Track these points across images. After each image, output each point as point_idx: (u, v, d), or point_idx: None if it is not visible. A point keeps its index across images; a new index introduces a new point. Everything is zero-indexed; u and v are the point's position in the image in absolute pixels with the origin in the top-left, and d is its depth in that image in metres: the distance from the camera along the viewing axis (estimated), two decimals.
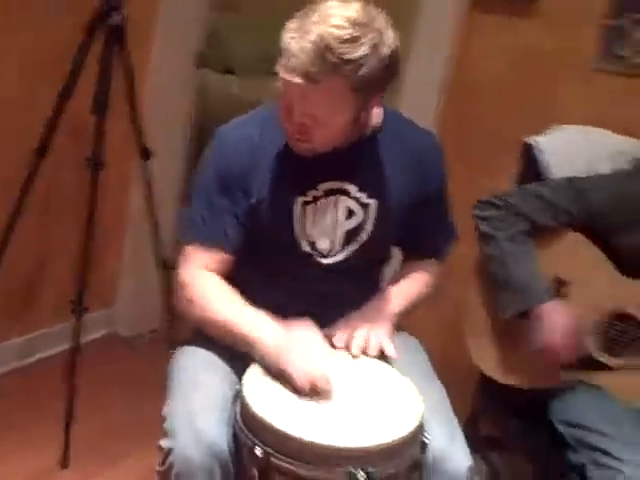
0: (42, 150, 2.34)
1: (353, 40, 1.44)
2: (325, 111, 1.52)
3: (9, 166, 2.46)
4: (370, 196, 1.71)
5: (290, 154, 1.66)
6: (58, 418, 2.39)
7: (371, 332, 1.67)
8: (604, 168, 2.14)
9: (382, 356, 1.67)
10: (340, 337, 1.68)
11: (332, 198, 1.70)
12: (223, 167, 1.68)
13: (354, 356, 1.65)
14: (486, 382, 2.10)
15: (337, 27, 1.43)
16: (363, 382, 1.59)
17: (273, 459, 1.42)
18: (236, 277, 1.70)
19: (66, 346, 2.80)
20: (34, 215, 2.48)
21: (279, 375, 1.54)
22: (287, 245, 1.71)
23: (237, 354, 1.67)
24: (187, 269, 1.71)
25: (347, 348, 1.67)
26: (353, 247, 1.73)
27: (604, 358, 1.92)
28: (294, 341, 1.57)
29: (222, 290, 1.68)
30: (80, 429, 2.34)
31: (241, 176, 1.67)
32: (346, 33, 1.43)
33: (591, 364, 1.93)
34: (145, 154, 2.49)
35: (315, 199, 1.69)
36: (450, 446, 1.56)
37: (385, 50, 1.47)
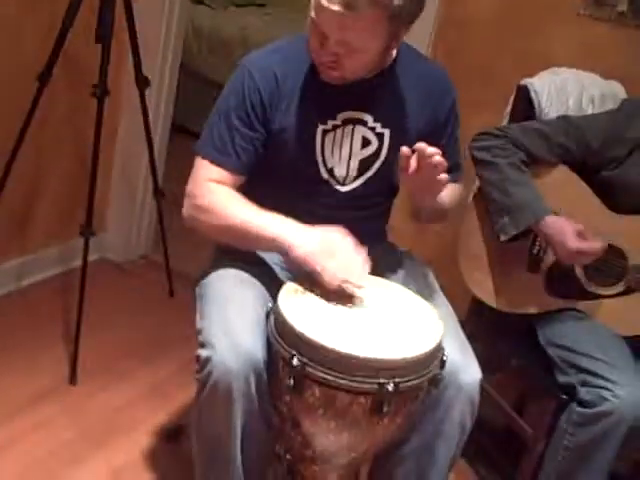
0: (44, 76, 2.34)
1: None
2: (360, 39, 1.60)
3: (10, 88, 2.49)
4: (384, 125, 1.80)
5: (311, 85, 1.75)
6: (60, 338, 2.47)
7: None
8: (592, 110, 2.28)
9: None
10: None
11: (350, 127, 1.79)
12: (246, 95, 1.75)
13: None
14: (478, 306, 2.23)
15: None
16: (390, 301, 1.71)
17: (309, 369, 1.52)
18: (254, 201, 1.76)
19: (61, 269, 2.88)
20: (32, 140, 2.49)
21: (308, 280, 1.64)
22: (307, 171, 1.80)
23: (265, 272, 1.79)
24: (198, 181, 1.77)
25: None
26: (368, 175, 1.83)
27: (591, 287, 2.06)
28: (324, 241, 1.65)
29: (236, 197, 1.74)
30: (85, 347, 2.41)
31: (262, 106, 1.74)
32: None
33: (578, 292, 2.07)
34: (143, 83, 2.53)
35: (334, 128, 1.78)
36: (463, 360, 1.69)
37: None
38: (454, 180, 1.93)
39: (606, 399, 1.85)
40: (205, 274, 1.85)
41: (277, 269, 1.84)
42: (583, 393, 1.90)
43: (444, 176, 1.62)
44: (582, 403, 1.90)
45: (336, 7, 1.54)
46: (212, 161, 1.76)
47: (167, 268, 2.86)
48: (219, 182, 1.76)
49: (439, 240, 2.54)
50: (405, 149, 1.61)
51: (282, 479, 1.82)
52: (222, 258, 1.85)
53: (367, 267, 1.66)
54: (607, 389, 1.86)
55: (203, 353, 1.61)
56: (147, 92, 2.59)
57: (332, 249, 1.64)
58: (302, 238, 1.65)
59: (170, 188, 2.84)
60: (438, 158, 1.58)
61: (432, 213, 1.89)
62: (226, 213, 1.71)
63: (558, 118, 2.14)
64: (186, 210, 1.78)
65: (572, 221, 2.00)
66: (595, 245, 1.97)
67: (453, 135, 1.92)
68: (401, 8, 1.56)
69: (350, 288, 1.64)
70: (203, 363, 1.60)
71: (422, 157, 1.59)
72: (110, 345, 2.58)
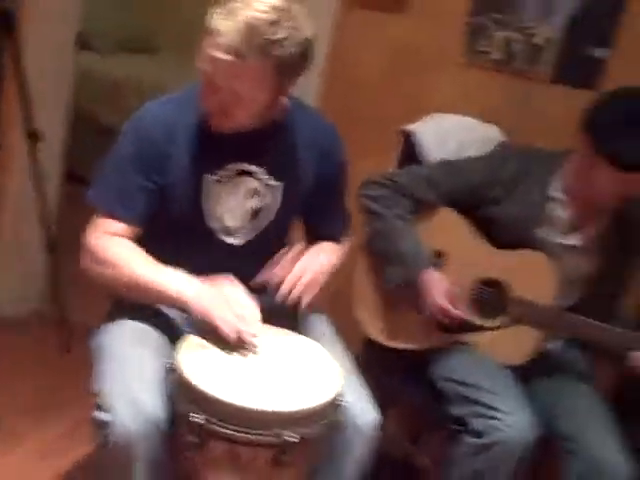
0: None
1: (276, 23, 1.60)
2: (249, 88, 1.65)
3: None
4: (277, 179, 1.85)
5: (201, 135, 1.79)
6: None
7: (303, 279, 1.80)
8: (472, 152, 2.40)
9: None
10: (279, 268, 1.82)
11: (240, 179, 1.83)
12: (141, 146, 1.77)
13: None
14: (370, 343, 2.30)
15: (261, 11, 1.59)
16: (290, 351, 1.75)
17: (211, 425, 1.55)
18: (149, 254, 1.78)
19: None
20: None
21: (208, 332, 1.68)
22: (196, 223, 1.83)
23: (163, 324, 1.81)
24: (97, 235, 1.77)
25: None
26: (259, 227, 1.88)
27: (477, 320, 2.16)
28: (218, 293, 1.70)
29: (136, 251, 1.76)
30: None
31: (156, 156, 1.77)
32: (269, 17, 1.59)
33: (465, 326, 2.16)
34: (34, 136, 2.51)
35: (223, 178, 1.82)
36: (360, 404, 1.75)
37: (303, 35, 1.64)
38: (341, 239, 2.03)
39: (497, 428, 1.93)
40: (101, 330, 1.85)
41: (177, 320, 1.85)
42: (475, 424, 1.98)
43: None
44: (474, 433, 1.98)
45: (224, 56, 1.60)
46: (109, 212, 1.77)
47: (62, 323, 2.81)
48: (118, 234, 1.77)
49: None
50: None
51: None
52: (118, 311, 1.85)
53: (258, 313, 1.72)
54: (497, 418, 1.95)
55: (102, 416, 1.61)
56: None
57: (226, 300, 1.68)
58: (198, 293, 1.68)
59: (65, 238, 2.80)
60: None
61: None
62: (127, 268, 1.73)
63: (441, 163, 2.26)
64: (84, 263, 1.78)
65: (445, 281, 2.11)
66: (456, 313, 2.09)
67: (343, 199, 2.01)
68: (286, 60, 1.64)
69: (248, 337, 1.68)
70: (102, 426, 1.60)
71: None
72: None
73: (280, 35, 1.60)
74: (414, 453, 2.29)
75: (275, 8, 1.61)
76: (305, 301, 1.79)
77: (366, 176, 2.24)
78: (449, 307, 2.08)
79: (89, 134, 4.18)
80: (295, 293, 1.78)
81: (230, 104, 1.68)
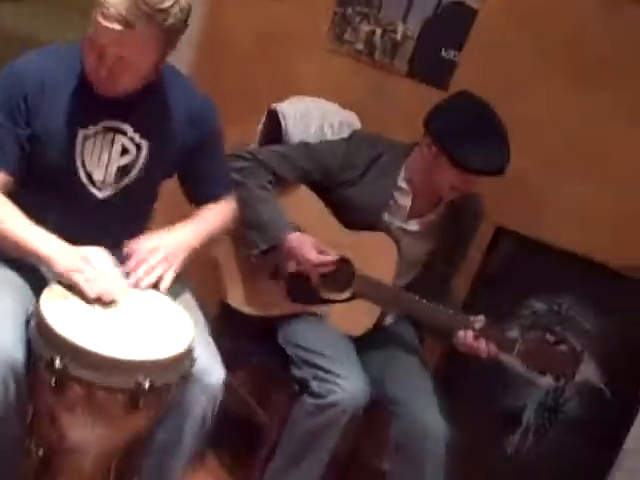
0: None
1: None
2: (136, 55, 1.76)
3: None
4: (143, 137, 1.95)
5: (77, 91, 1.87)
6: None
7: (160, 263, 1.88)
8: (330, 135, 2.58)
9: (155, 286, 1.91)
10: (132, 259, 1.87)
11: (110, 135, 1.92)
12: (11, 94, 1.83)
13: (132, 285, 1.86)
14: (224, 307, 2.45)
15: None
16: (146, 306, 1.86)
17: (70, 370, 1.65)
18: (15, 200, 1.84)
19: None
20: None
21: (72, 290, 1.77)
22: (66, 174, 1.91)
23: (28, 273, 1.87)
24: None
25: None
26: (124, 183, 1.97)
27: (324, 294, 2.36)
28: (82, 257, 1.78)
29: (8, 206, 1.82)
30: None
31: (27, 103, 1.84)
32: None
33: (313, 298, 2.36)
34: None
35: (95, 134, 1.90)
36: (209, 361, 1.88)
37: (185, 3, 1.76)
38: (226, 197, 2.15)
39: (334, 391, 2.14)
40: None
41: (43, 270, 1.92)
42: (315, 386, 2.18)
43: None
44: (313, 395, 2.18)
45: (115, 25, 1.69)
46: None
47: None
48: None
49: None
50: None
51: (35, 472, 1.91)
52: None
53: (123, 283, 1.82)
54: (335, 383, 2.15)
55: None
56: None
57: (90, 265, 1.77)
58: (63, 254, 1.77)
59: None
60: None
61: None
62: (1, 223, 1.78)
63: (300, 144, 2.42)
64: None
65: (311, 236, 2.28)
66: (330, 258, 2.27)
67: (220, 161, 2.13)
68: (171, 26, 1.75)
69: (107, 299, 1.78)
70: None
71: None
72: None
73: (165, 4, 1.71)
74: (257, 412, 2.48)
75: None
76: (164, 284, 1.87)
77: (230, 144, 2.35)
78: (322, 257, 2.26)
79: None
80: (150, 279, 1.86)
81: (117, 70, 1.77)
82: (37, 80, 1.84)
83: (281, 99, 2.60)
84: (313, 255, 2.26)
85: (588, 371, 2.63)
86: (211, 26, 2.79)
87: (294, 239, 2.28)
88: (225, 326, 2.20)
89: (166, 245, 1.90)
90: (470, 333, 2.17)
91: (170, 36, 1.78)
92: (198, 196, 2.13)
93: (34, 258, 1.81)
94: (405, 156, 2.35)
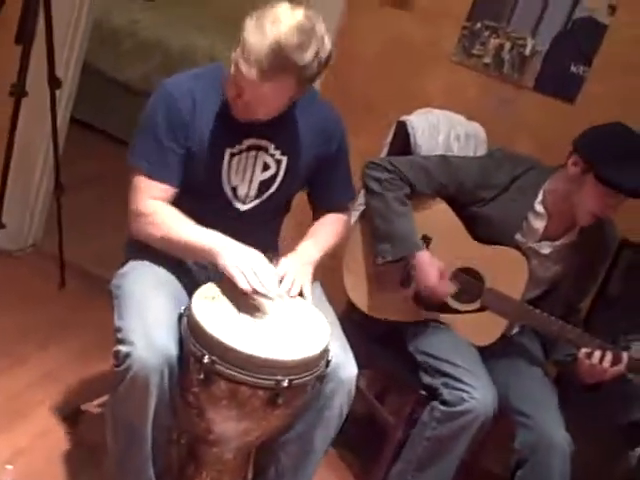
0: None
1: (302, 47, 1.79)
2: (271, 98, 1.88)
3: None
4: (283, 153, 2.07)
5: (223, 112, 1.99)
6: None
7: (297, 276, 2.01)
8: (457, 146, 2.64)
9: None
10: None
11: (253, 152, 2.04)
12: (170, 115, 1.97)
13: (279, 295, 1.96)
14: (351, 309, 2.52)
15: (288, 34, 1.77)
16: (287, 309, 1.97)
17: (217, 365, 1.78)
18: None
19: None
20: None
21: (221, 285, 1.91)
22: (213, 188, 2.04)
23: (182, 274, 2.02)
24: (141, 200, 1.99)
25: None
26: (265, 196, 2.09)
27: (453, 304, 2.41)
28: (245, 254, 1.90)
29: (178, 214, 1.97)
30: None
31: (184, 124, 1.97)
32: (297, 40, 1.78)
33: (442, 307, 2.41)
34: (55, 83, 2.68)
35: (240, 152, 2.03)
36: (343, 358, 1.99)
37: (324, 54, 1.85)
38: (346, 208, 2.26)
39: (465, 400, 2.20)
40: (120, 273, 2.06)
41: (194, 268, 2.07)
42: (446, 394, 2.25)
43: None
44: (444, 402, 2.24)
45: (253, 73, 1.80)
46: (152, 177, 1.97)
47: (61, 260, 3.00)
48: (160, 198, 1.98)
49: None
50: None
51: (180, 461, 2.07)
52: (137, 256, 2.05)
53: (277, 280, 1.93)
54: (466, 391, 2.21)
55: (123, 349, 1.81)
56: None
57: (251, 263, 1.89)
58: (229, 250, 1.90)
59: (67, 180, 2.99)
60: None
61: None
62: (174, 227, 1.95)
63: (440, 158, 2.44)
64: (137, 229, 2.00)
65: (437, 261, 2.35)
66: (447, 289, 2.35)
67: (345, 172, 2.22)
68: (308, 76, 1.85)
69: (259, 298, 1.89)
70: (122, 358, 1.81)
71: None
72: (4, 331, 2.70)
73: (307, 59, 1.80)
74: (382, 414, 2.56)
75: (302, 30, 1.79)
76: (306, 291, 2.01)
77: (357, 155, 2.39)
78: (439, 289, 2.33)
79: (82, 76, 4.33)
80: (295, 289, 1.98)
81: (253, 105, 1.89)
82: (189, 101, 1.97)
83: (407, 112, 2.67)
84: (433, 281, 2.33)
85: None
86: (340, 40, 2.89)
87: (420, 259, 2.34)
88: (351, 327, 2.28)
89: (292, 269, 2.02)
90: (598, 353, 2.19)
91: (306, 82, 1.89)
92: (320, 205, 2.24)
93: (200, 254, 1.94)
94: (545, 179, 2.35)
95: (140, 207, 1.99)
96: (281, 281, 1.96)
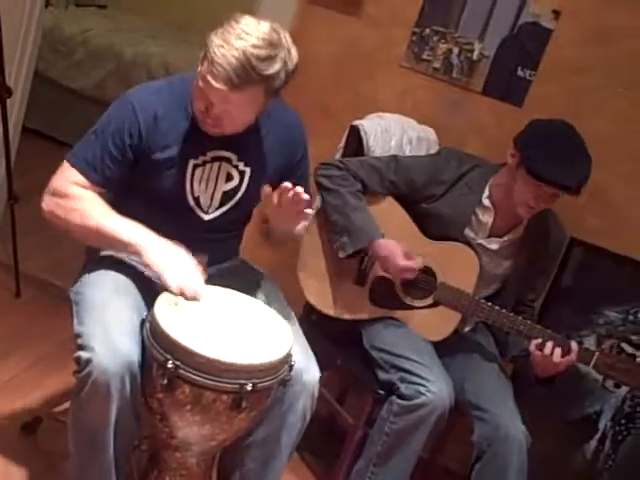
0: None
1: (269, 58, 1.82)
2: (240, 111, 1.91)
3: None
4: (246, 164, 2.09)
5: (187, 126, 2.01)
6: None
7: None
8: (409, 149, 2.70)
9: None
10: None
11: (217, 164, 2.07)
12: (125, 127, 1.97)
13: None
14: (309, 310, 2.56)
15: (255, 46, 1.80)
16: (248, 313, 2.00)
17: (181, 370, 1.79)
18: (125, 215, 1.98)
19: None
20: None
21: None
22: (177, 199, 2.06)
23: (140, 282, 2.02)
24: (61, 180, 1.98)
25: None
26: (228, 206, 2.11)
27: (407, 300, 2.47)
28: (169, 252, 1.92)
29: (98, 201, 1.96)
30: None
31: (140, 139, 1.98)
32: (264, 52, 1.81)
33: (397, 304, 2.47)
34: (6, 92, 2.66)
35: (204, 163, 2.05)
36: (306, 362, 2.03)
37: (291, 65, 1.88)
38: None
39: (422, 393, 2.26)
40: (79, 280, 2.06)
41: (154, 278, 2.03)
42: (403, 388, 2.30)
43: (309, 211, 1.95)
44: (402, 396, 2.29)
45: (222, 86, 1.82)
46: (79, 170, 1.98)
47: (16, 270, 2.98)
48: (82, 187, 1.97)
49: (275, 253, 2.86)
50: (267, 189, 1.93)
51: (143, 465, 2.07)
52: (95, 265, 2.06)
53: (201, 281, 1.94)
54: (422, 385, 2.27)
55: (83, 355, 1.82)
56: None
57: (175, 261, 1.91)
58: (152, 246, 1.91)
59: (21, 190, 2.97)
60: (298, 191, 1.89)
61: (283, 238, 2.21)
62: (89, 215, 1.93)
63: (389, 157, 2.52)
64: (48, 206, 1.98)
65: (399, 244, 2.39)
66: (416, 265, 2.39)
67: (305, 175, 2.24)
68: (276, 87, 1.88)
69: (190, 293, 1.90)
70: (83, 364, 1.81)
71: (283, 193, 1.92)
72: None
73: (273, 70, 1.83)
74: (341, 414, 2.59)
75: (269, 42, 1.82)
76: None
77: (310, 157, 2.42)
78: (410, 264, 2.37)
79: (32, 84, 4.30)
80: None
81: (221, 119, 1.91)
82: (151, 117, 1.98)
83: (360, 116, 2.72)
84: (400, 260, 2.37)
85: None
86: (294, 43, 2.92)
87: (384, 244, 2.39)
88: (309, 327, 2.32)
89: None
90: (550, 344, 2.26)
91: (274, 94, 1.92)
92: None
93: (122, 247, 1.94)
94: (491, 175, 2.44)
95: (57, 185, 1.98)
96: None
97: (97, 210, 1.95)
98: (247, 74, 1.81)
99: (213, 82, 1.83)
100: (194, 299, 1.91)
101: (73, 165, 1.98)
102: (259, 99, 1.90)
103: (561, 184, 2.24)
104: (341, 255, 2.42)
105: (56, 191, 1.97)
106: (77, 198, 1.96)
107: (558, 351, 2.26)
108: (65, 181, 1.97)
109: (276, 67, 1.84)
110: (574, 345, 2.28)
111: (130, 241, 1.91)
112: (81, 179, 1.97)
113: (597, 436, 2.81)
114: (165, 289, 1.93)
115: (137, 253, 1.93)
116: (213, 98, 1.87)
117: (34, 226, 3.30)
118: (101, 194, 2.01)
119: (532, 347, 2.29)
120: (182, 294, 1.90)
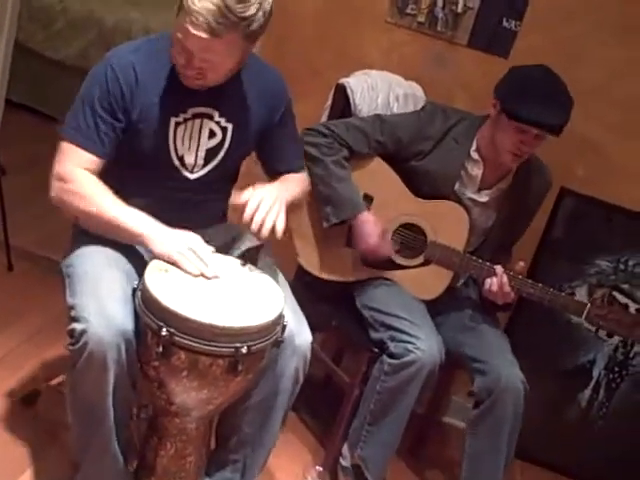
0: None
1: (245, 0, 1.80)
2: (222, 58, 1.88)
3: None
4: (228, 120, 2.07)
5: (167, 83, 1.99)
6: None
7: (270, 211, 1.95)
8: (397, 105, 2.68)
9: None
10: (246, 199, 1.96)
11: (199, 120, 2.04)
12: (109, 87, 1.95)
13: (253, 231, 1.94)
14: (302, 273, 2.57)
15: None
16: (239, 277, 2.00)
17: (175, 337, 1.79)
18: (111, 181, 1.97)
19: None
20: None
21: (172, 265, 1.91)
22: (160, 158, 2.04)
23: (131, 254, 2.01)
24: (65, 164, 1.95)
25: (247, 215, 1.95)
26: (213, 164, 2.09)
27: (398, 259, 2.48)
28: (178, 235, 1.92)
29: (104, 188, 1.95)
30: None
31: (123, 97, 1.96)
32: None
33: (388, 264, 2.48)
34: None
35: (185, 120, 2.03)
36: (297, 325, 2.03)
37: (267, 5, 1.87)
38: (302, 168, 2.27)
39: (410, 351, 2.27)
40: (70, 253, 2.04)
41: (143, 251, 2.05)
42: (392, 347, 2.31)
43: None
44: (391, 355, 2.31)
45: (202, 34, 1.80)
46: (79, 145, 1.95)
47: (7, 244, 2.97)
48: (86, 167, 1.95)
49: None
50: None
51: (143, 433, 2.08)
52: (84, 237, 2.03)
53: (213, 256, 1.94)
54: (411, 343, 2.28)
55: (77, 327, 1.81)
56: None
57: (187, 245, 1.91)
58: (161, 237, 1.91)
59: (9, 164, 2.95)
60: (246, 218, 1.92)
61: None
62: (97, 202, 1.92)
63: (374, 117, 2.50)
64: (55, 192, 1.96)
65: (379, 221, 2.41)
66: (387, 251, 2.43)
67: (293, 135, 2.23)
68: (254, 30, 1.85)
69: (209, 275, 1.90)
70: (78, 336, 1.81)
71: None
72: None
73: (250, 11, 1.81)
74: (337, 374, 2.61)
75: None
76: (279, 228, 1.95)
77: (298, 121, 2.44)
78: (381, 248, 2.39)
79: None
80: (268, 224, 1.94)
81: (204, 70, 1.89)
82: (131, 75, 1.96)
83: (346, 74, 2.69)
84: (373, 242, 2.39)
85: None
86: (275, 4, 2.88)
87: (364, 221, 2.40)
88: (303, 290, 2.32)
89: (269, 195, 1.99)
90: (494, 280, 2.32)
91: (253, 38, 1.90)
92: (275, 170, 2.23)
93: (127, 236, 1.94)
94: (477, 127, 2.43)
95: (61, 170, 1.96)
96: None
97: (102, 198, 1.93)
98: (225, 18, 1.79)
99: (193, 31, 1.81)
100: (215, 277, 1.92)
101: (71, 141, 1.96)
102: (239, 44, 1.87)
103: (542, 122, 2.23)
104: (325, 225, 2.43)
105: (60, 175, 1.95)
106: (84, 184, 1.93)
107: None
108: (69, 163, 1.95)
109: (252, 9, 1.82)
110: (498, 269, 2.34)
111: (135, 231, 1.91)
112: (83, 156, 1.95)
113: (591, 384, 2.85)
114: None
115: (143, 244, 1.93)
116: (193, 47, 1.84)
117: (23, 199, 3.33)
118: (102, 167, 1.97)
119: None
120: (203, 276, 1.89)
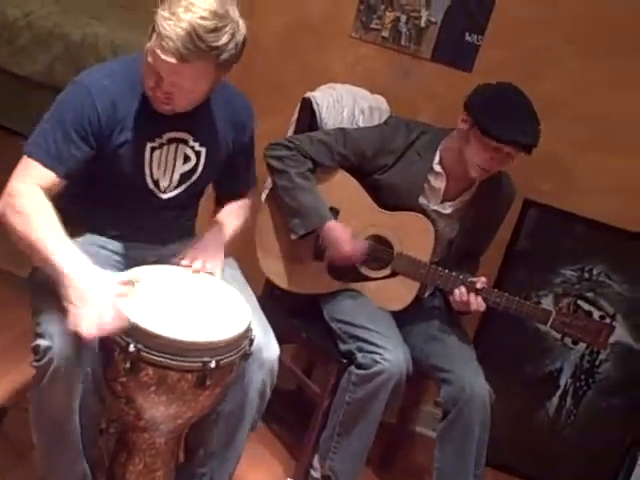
0: None
1: (217, 30, 1.80)
2: (191, 84, 1.88)
3: None
4: (202, 145, 2.09)
5: (142, 108, 1.98)
6: None
7: (207, 262, 2.07)
8: (362, 119, 2.70)
9: None
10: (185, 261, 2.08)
11: (174, 145, 2.06)
12: (85, 113, 1.92)
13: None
14: (271, 287, 2.59)
15: (202, 18, 1.78)
16: (206, 291, 2.01)
17: (143, 353, 1.79)
18: (82, 203, 2.00)
19: None
20: None
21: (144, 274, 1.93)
22: (136, 182, 2.04)
23: (99, 265, 1.95)
24: (24, 180, 1.88)
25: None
26: (186, 185, 2.11)
27: (365, 271, 2.50)
28: (87, 286, 1.77)
29: (50, 215, 1.84)
30: None
31: (99, 125, 1.94)
32: (211, 24, 1.79)
33: (355, 275, 2.50)
34: None
35: (161, 145, 2.04)
36: (264, 338, 2.04)
37: (240, 37, 1.86)
38: (247, 194, 2.30)
39: (378, 362, 2.29)
40: (36, 269, 2.00)
41: (110, 261, 2.06)
42: (360, 358, 2.33)
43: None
44: (359, 366, 2.33)
45: (171, 59, 1.80)
46: (41, 162, 1.90)
47: None
48: (42, 185, 1.88)
49: None
50: None
51: (112, 448, 2.07)
52: None
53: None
54: (378, 354, 2.30)
55: (42, 343, 1.79)
56: None
57: (89, 297, 1.75)
58: (75, 277, 1.77)
59: None
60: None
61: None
62: (33, 228, 1.81)
63: (337, 130, 2.53)
64: (2, 206, 1.86)
65: (346, 227, 2.43)
66: (363, 249, 2.44)
67: (252, 156, 2.27)
68: (225, 59, 1.85)
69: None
70: (42, 352, 1.79)
71: None
72: None
73: (221, 41, 1.81)
74: (307, 385, 2.62)
75: (215, 14, 1.79)
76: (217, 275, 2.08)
77: (264, 136, 2.44)
78: (356, 250, 2.42)
79: None
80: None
81: (172, 94, 1.89)
82: (109, 102, 1.94)
83: (312, 88, 2.71)
84: (346, 247, 2.42)
85: (622, 332, 2.75)
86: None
87: (332, 228, 2.42)
88: (272, 303, 2.33)
89: (207, 246, 2.12)
90: (464, 289, 2.35)
91: (225, 67, 1.90)
92: (223, 190, 2.28)
93: (50, 268, 1.80)
94: (440, 140, 2.46)
95: (14, 185, 1.88)
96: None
97: (41, 222, 1.82)
98: (195, 46, 1.79)
99: (162, 55, 1.81)
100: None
101: (36, 159, 1.91)
102: (209, 73, 1.87)
103: (519, 142, 2.26)
104: (293, 237, 2.45)
105: (9, 191, 1.87)
106: (26, 198, 1.84)
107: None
108: (26, 178, 1.89)
109: (224, 39, 1.82)
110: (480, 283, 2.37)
111: (60, 269, 1.77)
112: (45, 174, 1.90)
113: (559, 392, 2.89)
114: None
115: (62, 283, 1.78)
116: (163, 72, 1.85)
117: None
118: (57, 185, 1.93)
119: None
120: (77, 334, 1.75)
